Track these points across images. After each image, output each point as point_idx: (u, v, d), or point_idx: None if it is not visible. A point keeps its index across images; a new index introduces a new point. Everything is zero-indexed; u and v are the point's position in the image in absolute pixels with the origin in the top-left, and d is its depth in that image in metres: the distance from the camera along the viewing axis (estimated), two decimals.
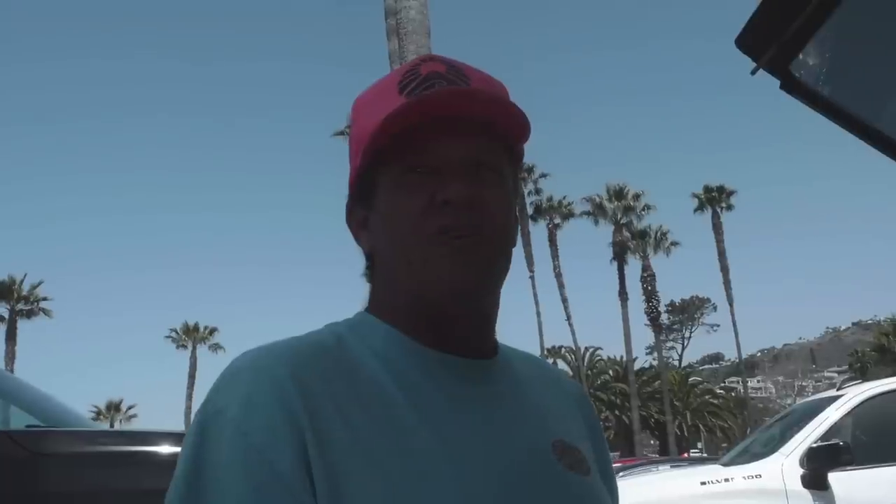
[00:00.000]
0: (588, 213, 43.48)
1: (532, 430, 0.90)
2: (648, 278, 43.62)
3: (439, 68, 0.92)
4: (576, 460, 0.90)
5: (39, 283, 43.82)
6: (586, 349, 53.46)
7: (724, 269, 44.21)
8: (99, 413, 50.38)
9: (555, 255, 42.75)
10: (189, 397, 47.15)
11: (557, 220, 43.50)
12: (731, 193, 44.70)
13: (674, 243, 44.02)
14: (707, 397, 56.48)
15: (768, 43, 1.17)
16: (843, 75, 1.27)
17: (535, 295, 41.15)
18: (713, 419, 53.90)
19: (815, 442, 5.59)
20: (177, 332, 50.32)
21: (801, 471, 5.50)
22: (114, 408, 52.27)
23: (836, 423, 5.78)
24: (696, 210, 44.94)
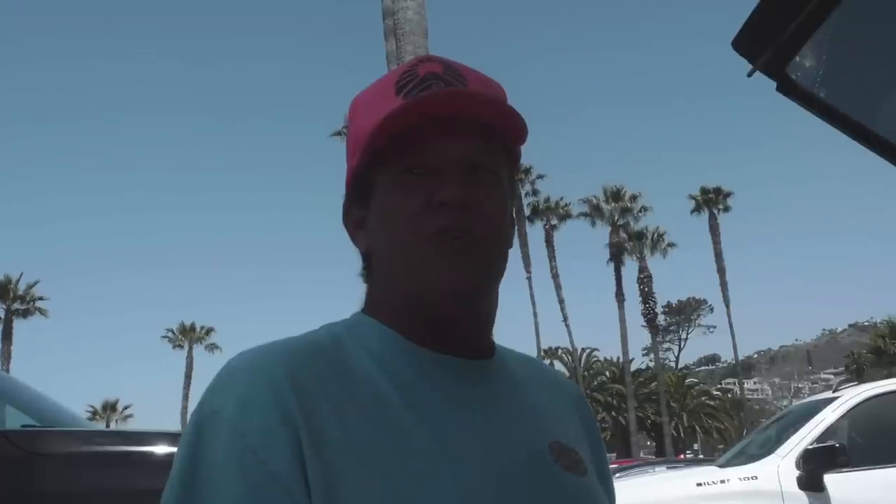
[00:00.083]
0: (585, 215, 43.55)
1: (529, 431, 0.90)
2: (645, 279, 43.68)
3: (437, 69, 0.92)
4: (573, 461, 0.90)
5: (36, 283, 43.85)
6: (583, 350, 53.49)
7: (721, 271, 44.27)
8: (95, 413, 50.28)
9: (552, 256, 42.82)
10: (185, 397, 47.11)
11: (554, 222, 43.55)
12: (727, 195, 44.80)
13: (670, 245, 44.14)
14: (703, 399, 56.54)
15: (765, 45, 1.17)
16: (839, 78, 1.27)
17: (531, 296, 41.23)
18: (709, 420, 53.96)
19: (812, 444, 5.60)
20: (173, 332, 50.31)
21: (797, 472, 5.51)
22: (110, 408, 52.18)
23: (832, 425, 5.79)
24: (692, 211, 45.05)
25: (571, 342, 44.74)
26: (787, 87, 1.22)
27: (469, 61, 0.96)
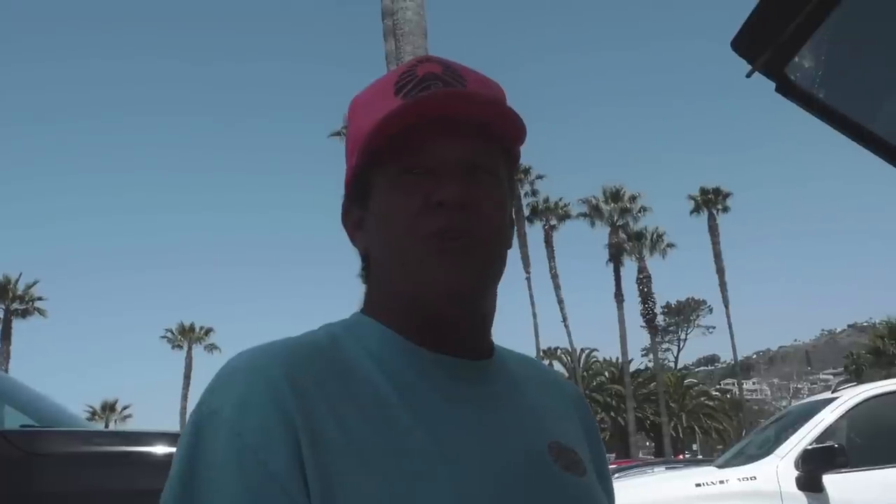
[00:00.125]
0: (584, 215, 43.57)
1: (528, 432, 0.90)
2: (644, 280, 43.69)
3: (436, 69, 0.92)
4: (572, 462, 0.90)
5: (35, 283, 43.85)
6: (582, 350, 53.51)
7: (720, 271, 44.28)
8: (94, 413, 50.25)
9: (551, 257, 42.81)
10: (184, 397, 47.10)
11: (554, 222, 43.55)
12: (727, 195, 44.82)
13: (670, 245, 44.16)
14: (702, 399, 56.56)
15: (764, 46, 1.17)
16: (838, 78, 1.28)
17: (531, 296, 41.22)
18: (708, 421, 53.97)
19: (810, 444, 5.60)
20: (172, 333, 50.31)
21: (795, 473, 5.51)
22: (109, 408, 52.15)
23: (831, 426, 5.78)
24: (692, 212, 45.07)
25: (570, 342, 44.78)
26: (787, 88, 1.22)
27: (468, 62, 0.96)
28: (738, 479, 5.71)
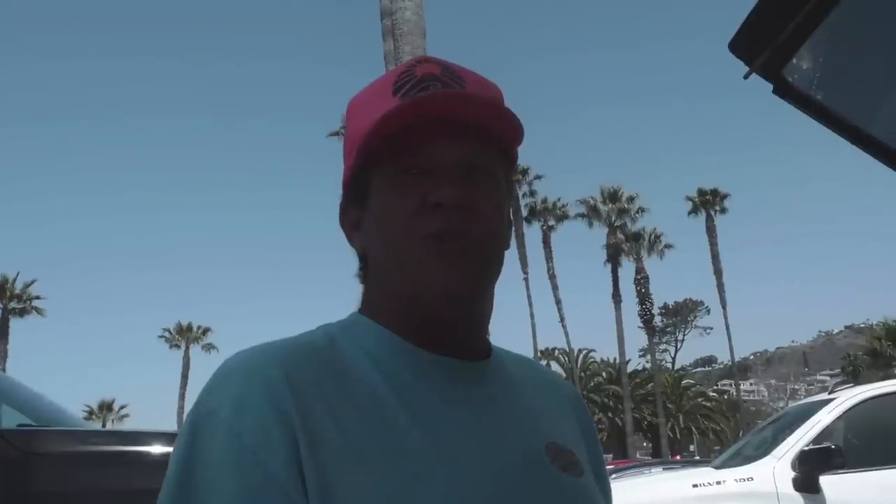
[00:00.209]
0: (582, 216, 43.60)
1: (525, 432, 0.90)
2: (642, 281, 43.73)
3: (434, 70, 0.92)
4: (569, 462, 0.90)
5: (32, 282, 43.83)
6: (579, 351, 53.58)
7: (718, 272, 44.31)
8: (91, 413, 50.24)
9: (549, 257, 42.83)
10: (182, 397, 47.08)
11: (552, 223, 43.57)
12: (724, 196, 44.85)
13: (667, 246, 44.20)
14: (700, 400, 56.63)
15: (761, 47, 1.17)
16: (835, 80, 1.28)
17: (528, 297, 41.24)
18: (706, 422, 54.02)
19: (807, 445, 5.61)
20: (170, 332, 50.27)
21: (792, 474, 5.52)
22: (106, 407, 52.16)
23: (827, 427, 5.79)
24: (689, 213, 45.09)
25: (568, 343, 44.80)
26: (784, 90, 1.22)
27: (467, 62, 0.96)
28: (735, 480, 5.72)
